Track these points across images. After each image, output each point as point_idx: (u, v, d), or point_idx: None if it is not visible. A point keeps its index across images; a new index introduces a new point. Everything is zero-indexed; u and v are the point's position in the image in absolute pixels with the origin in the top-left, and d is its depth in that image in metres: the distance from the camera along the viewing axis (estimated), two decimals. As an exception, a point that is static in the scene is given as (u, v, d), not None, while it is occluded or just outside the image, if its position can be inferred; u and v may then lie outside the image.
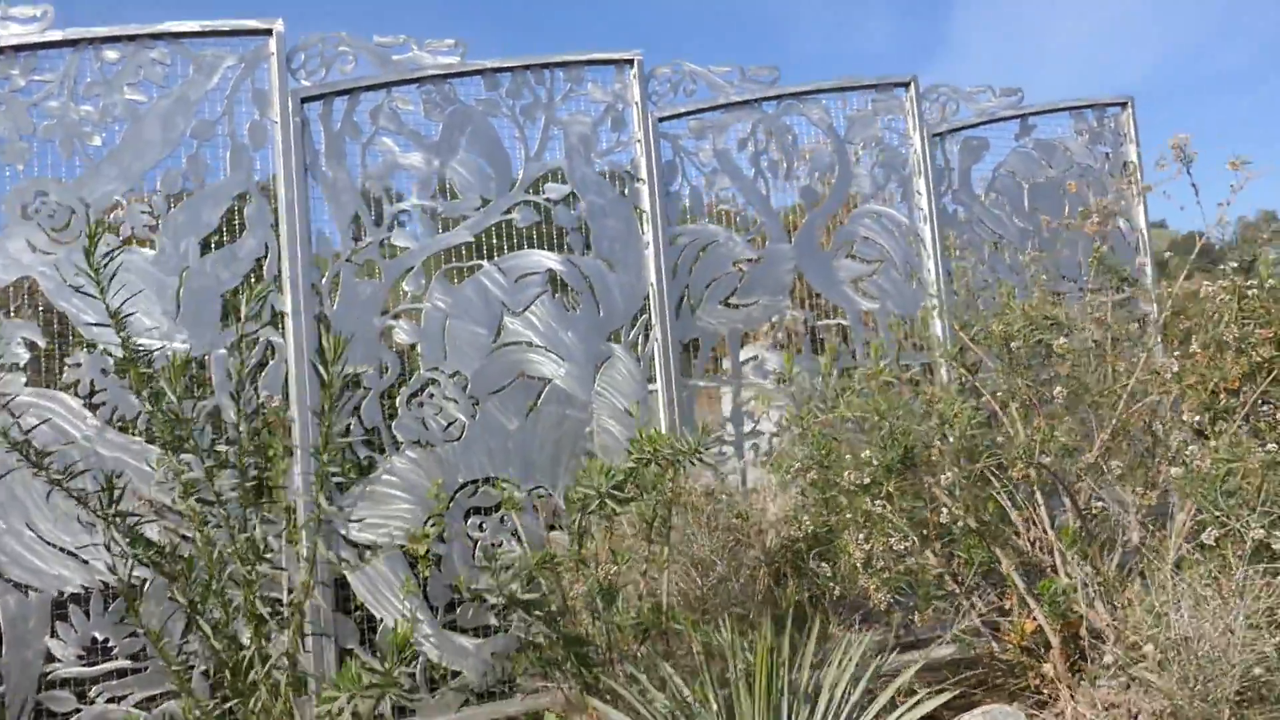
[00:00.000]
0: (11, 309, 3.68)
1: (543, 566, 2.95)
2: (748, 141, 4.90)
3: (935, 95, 5.36)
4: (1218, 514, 2.46)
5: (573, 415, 4.40)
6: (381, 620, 4.03)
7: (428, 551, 4.06)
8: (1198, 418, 3.02)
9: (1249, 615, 2.25)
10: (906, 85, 5.24)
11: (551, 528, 4.32)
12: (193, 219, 3.90)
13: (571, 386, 4.40)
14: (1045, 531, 3.32)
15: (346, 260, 4.09)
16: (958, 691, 2.91)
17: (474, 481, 4.22)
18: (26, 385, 3.68)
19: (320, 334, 4.00)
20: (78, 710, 3.63)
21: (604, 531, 3.39)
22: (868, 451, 3.09)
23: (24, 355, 3.68)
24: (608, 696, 2.47)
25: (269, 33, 4.01)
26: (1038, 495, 3.43)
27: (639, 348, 4.54)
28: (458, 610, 4.13)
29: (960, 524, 3.16)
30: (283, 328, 3.97)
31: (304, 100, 4.06)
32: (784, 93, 4.97)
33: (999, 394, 3.77)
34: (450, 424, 4.20)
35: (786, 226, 4.95)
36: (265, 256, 3.98)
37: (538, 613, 2.94)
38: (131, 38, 3.83)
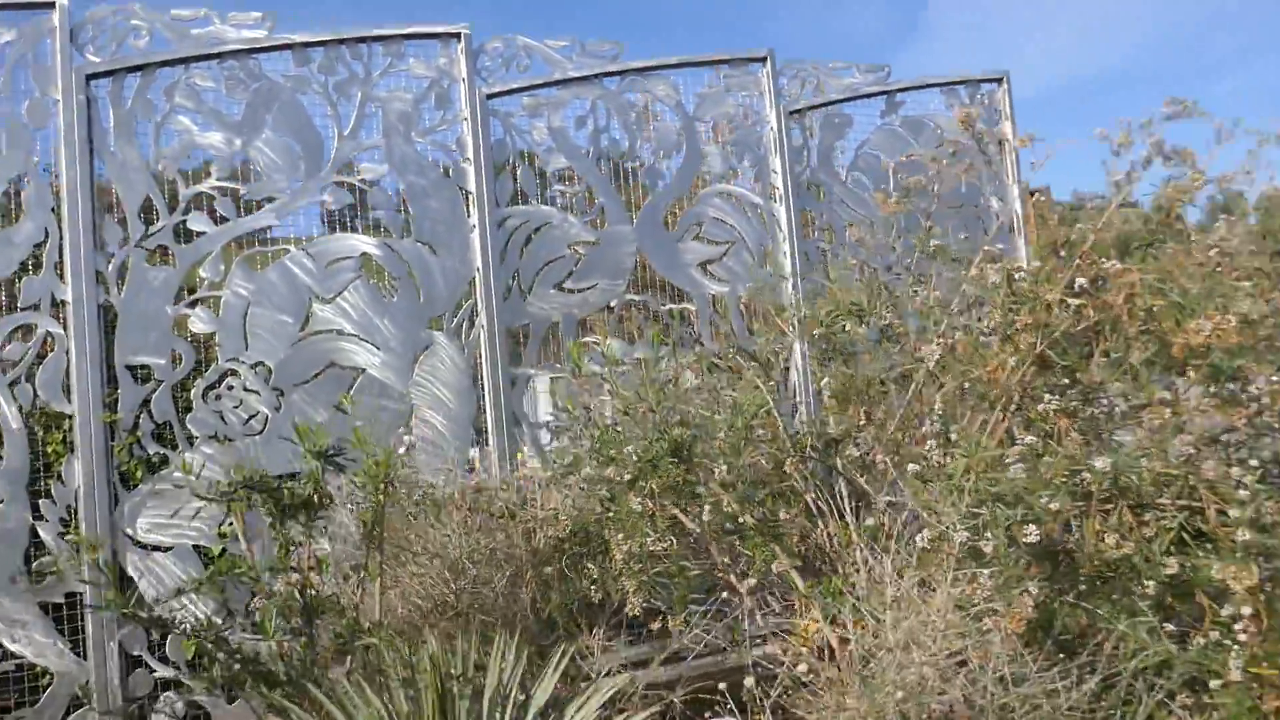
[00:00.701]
0: None
1: (231, 575, 2.86)
2: (587, 119, 4.78)
3: (794, 71, 5.26)
4: (929, 514, 2.39)
5: (390, 407, 4.30)
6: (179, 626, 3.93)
7: (223, 551, 3.97)
8: (968, 411, 2.95)
9: (944, 625, 2.19)
10: (763, 60, 5.13)
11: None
12: (-37, 203, 3.76)
13: (388, 376, 4.30)
14: (831, 530, 3.26)
15: (136, 245, 3.96)
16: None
17: (279, 477, 4.11)
18: None
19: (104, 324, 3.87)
20: None
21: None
22: (631, 446, 3.01)
23: None
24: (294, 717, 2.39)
25: (52, 5, 3.84)
26: (842, 490, 3.38)
27: (464, 335, 4.44)
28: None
29: (739, 521, 3.09)
30: (64, 317, 3.84)
31: (91, 77, 3.91)
32: (628, 68, 4.85)
33: (822, 383, 3.71)
34: (252, 417, 4.09)
35: (629, 208, 4.85)
36: (45, 242, 3.84)
37: (218, 629, 2.84)
38: (-111, 10, 3.66)
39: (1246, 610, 2.25)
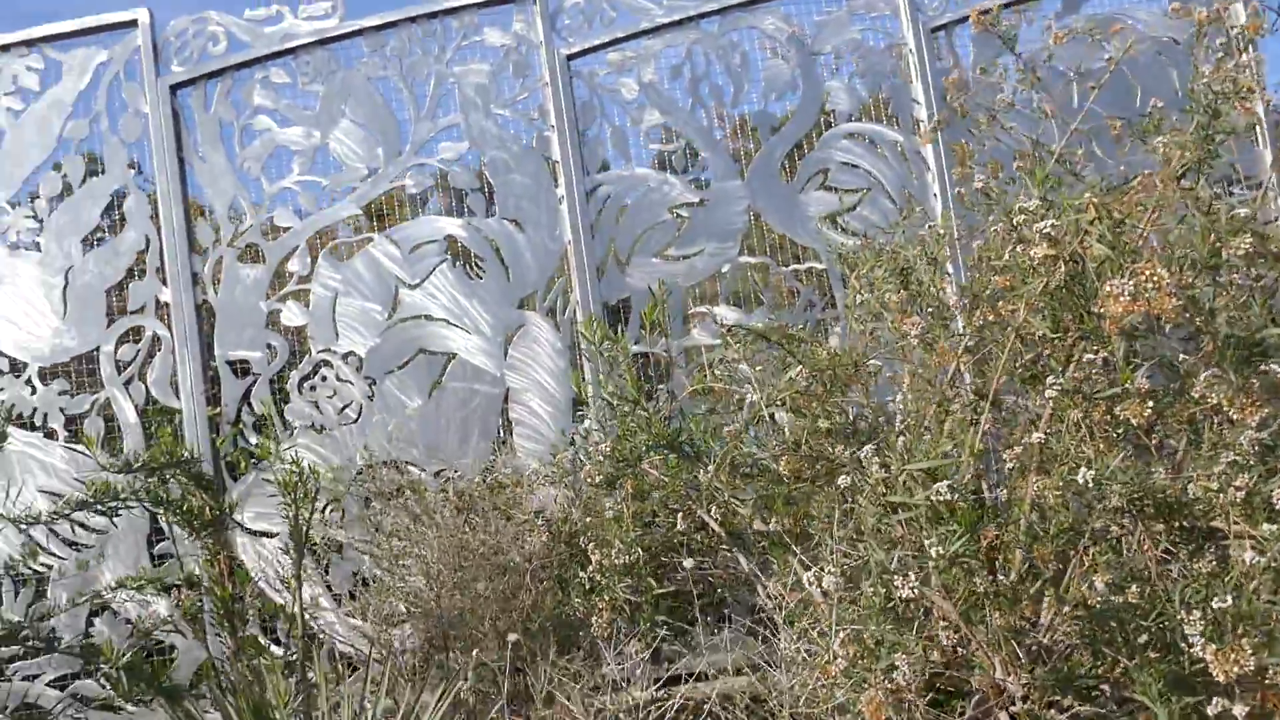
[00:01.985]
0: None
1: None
2: (683, 68, 4.47)
3: (935, -19, 4.63)
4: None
5: (483, 390, 4.24)
6: (282, 607, 4.09)
7: (324, 537, 4.09)
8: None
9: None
10: (895, -25, 4.56)
11: (459, 510, 4.19)
12: (74, 219, 4.14)
13: (480, 360, 4.24)
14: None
15: (228, 245, 4.16)
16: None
17: (370, 465, 4.16)
18: (-65, 391, 4.05)
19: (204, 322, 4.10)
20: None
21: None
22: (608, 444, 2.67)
23: (-71, 363, 4.06)
24: None
25: (134, 24, 4.15)
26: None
27: (558, 314, 4.28)
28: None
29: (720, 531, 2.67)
30: (167, 318, 4.11)
31: (175, 87, 4.18)
32: (729, 4, 4.48)
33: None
34: (346, 406, 4.18)
35: (738, 160, 4.47)
36: (147, 248, 4.14)
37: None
38: (4, 48, 4.09)
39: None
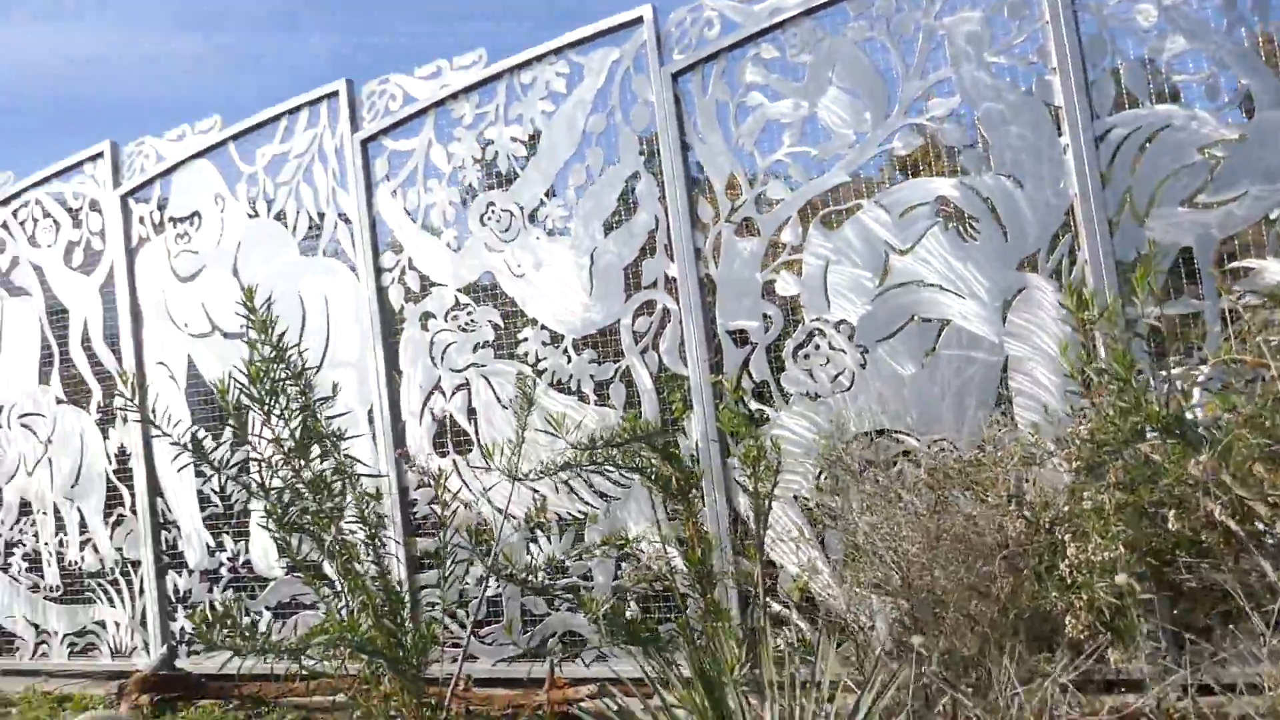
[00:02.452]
0: (480, 297, 4.86)
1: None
2: (1217, -18, 3.87)
3: None
4: None
5: (980, 358, 4.10)
6: (780, 568, 4.34)
7: (817, 504, 4.25)
8: None
9: None
10: None
11: (932, 488, 4.11)
12: (596, 205, 4.66)
13: (976, 326, 4.10)
14: None
15: (725, 220, 4.43)
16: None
17: (865, 434, 4.23)
18: (495, 357, 4.83)
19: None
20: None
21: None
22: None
23: (490, 333, 4.84)
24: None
25: (640, 20, 4.53)
26: None
27: (1064, 274, 3.99)
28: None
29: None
30: (674, 292, 4.49)
31: (676, 75, 4.50)
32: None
33: None
34: (839, 374, 4.28)
35: (1293, 83, 3.79)
36: (656, 228, 4.55)
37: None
38: (538, 58, 4.71)
39: None
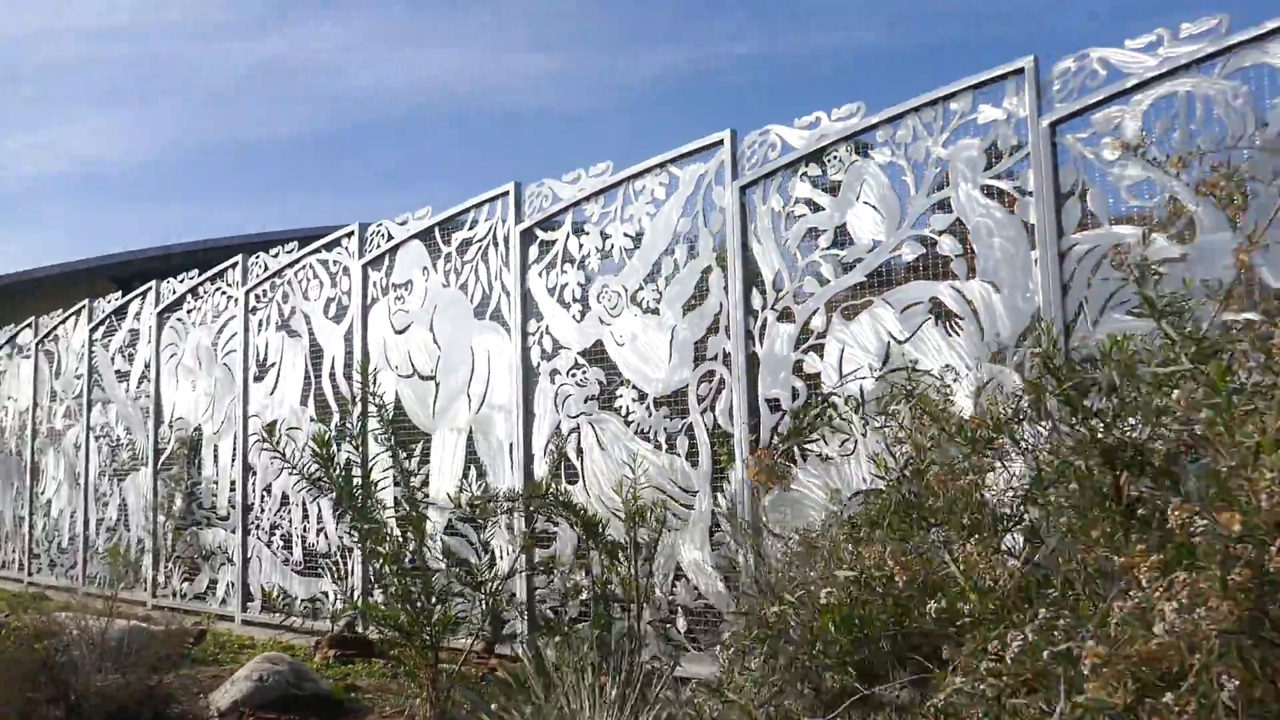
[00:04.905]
0: (591, 359, 6.48)
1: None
2: (1177, 119, 4.69)
3: None
4: None
5: (957, 437, 5.08)
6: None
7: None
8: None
9: None
10: None
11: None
12: (680, 291, 6.16)
13: (958, 405, 5.09)
14: None
15: (770, 308, 5.74)
16: None
17: (861, 492, 5.33)
18: (600, 409, 6.41)
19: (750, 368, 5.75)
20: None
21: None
22: None
23: (597, 389, 6.43)
24: None
25: (722, 143, 5.98)
26: None
27: (1025, 370, 4.92)
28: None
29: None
30: (729, 365, 5.85)
31: (744, 188, 5.90)
32: (1225, 45, 4.56)
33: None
34: (845, 440, 5.42)
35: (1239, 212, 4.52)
36: (720, 312, 5.94)
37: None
38: (647, 170, 6.30)
39: None
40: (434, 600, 5.43)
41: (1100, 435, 2.54)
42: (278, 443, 6.06)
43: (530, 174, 6.81)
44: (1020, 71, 5.11)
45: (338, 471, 5.33)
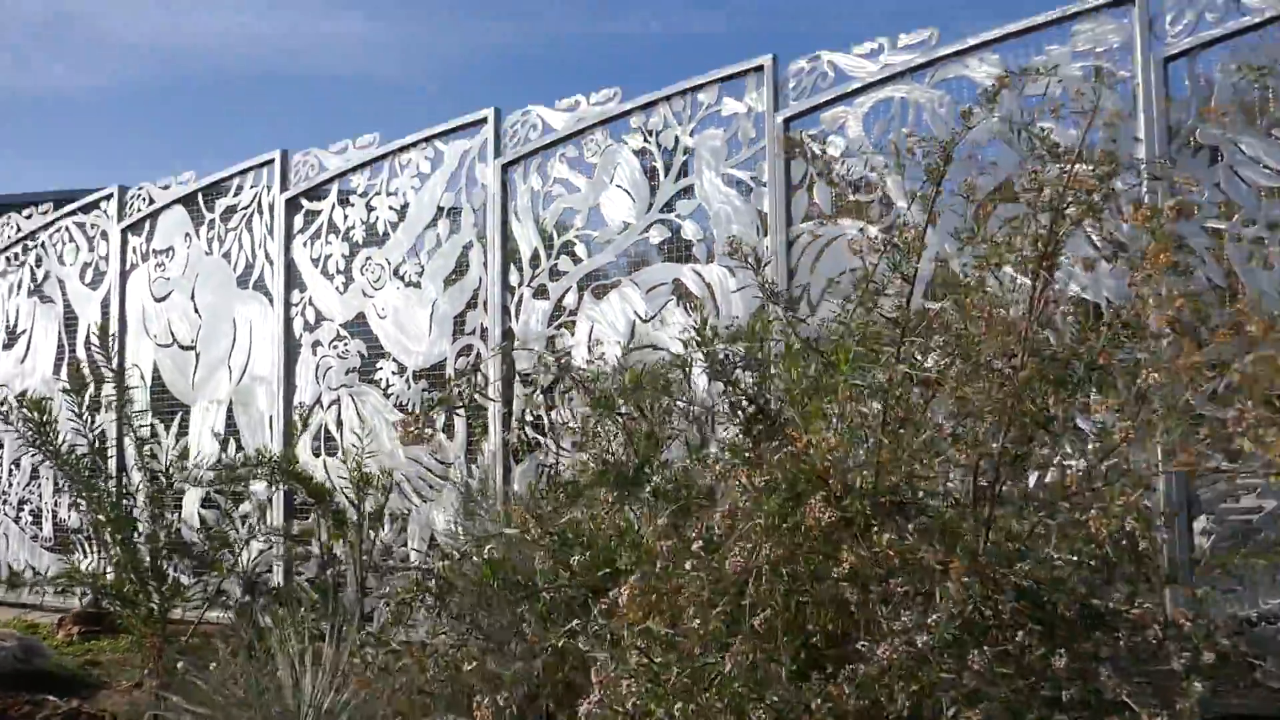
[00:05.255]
0: (354, 332, 6.52)
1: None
2: (892, 122, 5.13)
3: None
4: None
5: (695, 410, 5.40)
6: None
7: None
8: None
9: None
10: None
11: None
12: (442, 265, 6.29)
13: (694, 380, 5.41)
14: None
15: (527, 285, 5.93)
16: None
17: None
18: (361, 382, 6.46)
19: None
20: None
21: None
22: None
23: (358, 361, 6.47)
24: None
25: (485, 120, 6.13)
26: None
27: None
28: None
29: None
30: (486, 339, 6.01)
31: (506, 166, 6.07)
32: (935, 56, 5.02)
33: None
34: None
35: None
36: (479, 287, 6.09)
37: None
38: (413, 144, 6.37)
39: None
40: (158, 569, 5.41)
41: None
42: (21, 417, 5.87)
43: (322, 142, 6.71)
44: (760, 69, 5.47)
45: (62, 444, 5.21)
